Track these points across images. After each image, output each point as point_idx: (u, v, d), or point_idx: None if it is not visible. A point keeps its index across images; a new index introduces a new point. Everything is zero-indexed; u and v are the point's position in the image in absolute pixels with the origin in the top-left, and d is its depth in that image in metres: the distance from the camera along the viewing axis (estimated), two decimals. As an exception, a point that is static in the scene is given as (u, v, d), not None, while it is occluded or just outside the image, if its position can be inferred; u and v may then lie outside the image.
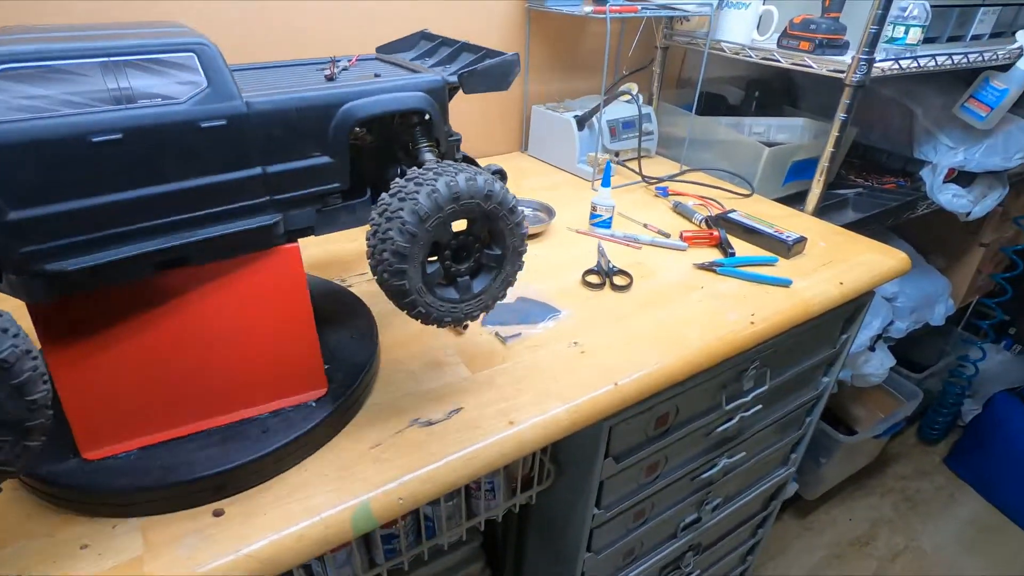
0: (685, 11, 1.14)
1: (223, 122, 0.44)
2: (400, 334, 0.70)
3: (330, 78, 0.54)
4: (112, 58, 0.41)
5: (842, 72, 0.99)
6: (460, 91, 0.57)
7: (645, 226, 1.00)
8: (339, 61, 0.60)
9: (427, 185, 0.44)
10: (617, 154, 1.29)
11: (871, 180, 1.40)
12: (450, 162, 0.48)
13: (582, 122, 1.21)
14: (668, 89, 1.47)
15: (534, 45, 1.26)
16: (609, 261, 0.86)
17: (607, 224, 0.97)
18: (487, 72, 0.57)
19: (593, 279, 0.83)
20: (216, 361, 0.52)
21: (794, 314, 0.79)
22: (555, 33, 1.29)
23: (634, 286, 0.81)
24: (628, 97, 1.26)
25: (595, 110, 1.17)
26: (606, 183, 0.94)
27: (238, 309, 0.51)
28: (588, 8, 1.00)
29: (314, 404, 0.56)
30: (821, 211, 1.12)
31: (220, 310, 0.50)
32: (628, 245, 0.93)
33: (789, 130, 1.28)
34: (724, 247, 0.92)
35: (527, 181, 1.20)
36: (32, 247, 0.39)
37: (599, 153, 1.17)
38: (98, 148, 0.40)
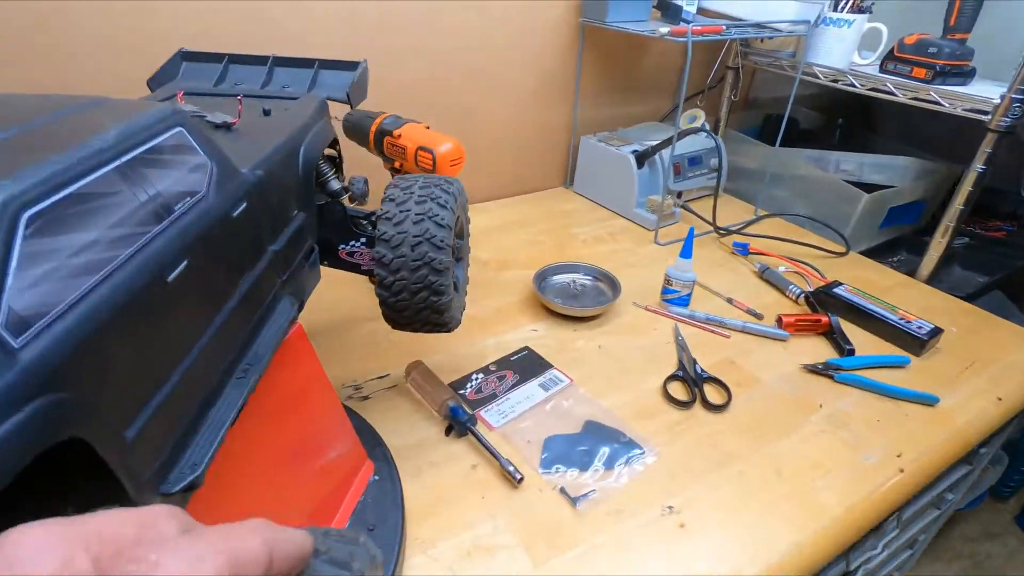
0: (777, 31, 0.94)
1: (245, 204, 0.34)
2: (418, 489, 0.52)
3: (229, 126, 0.43)
4: (123, 158, 0.27)
5: (985, 113, 0.79)
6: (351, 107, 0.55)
7: (730, 301, 0.81)
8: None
9: (431, 187, 0.46)
10: (680, 195, 1.10)
11: (975, 226, 1.19)
12: (406, 176, 0.49)
13: (643, 159, 1.02)
14: (733, 113, 1.27)
15: (586, 65, 1.07)
16: (695, 361, 0.68)
17: (684, 302, 0.78)
18: (362, 84, 0.56)
19: (679, 392, 0.64)
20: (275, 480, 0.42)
21: (950, 450, 0.60)
22: (610, 52, 1.09)
23: (733, 402, 0.63)
24: (694, 123, 1.07)
25: (662, 145, 0.98)
26: (687, 253, 0.75)
27: (275, 424, 0.42)
28: (664, 30, 0.81)
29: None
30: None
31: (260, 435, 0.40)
32: (714, 332, 0.75)
33: (888, 170, 1.07)
34: (837, 339, 0.72)
35: (576, 229, 1.01)
36: (157, 460, 0.27)
37: (664, 197, 0.98)
38: (175, 288, 0.28)
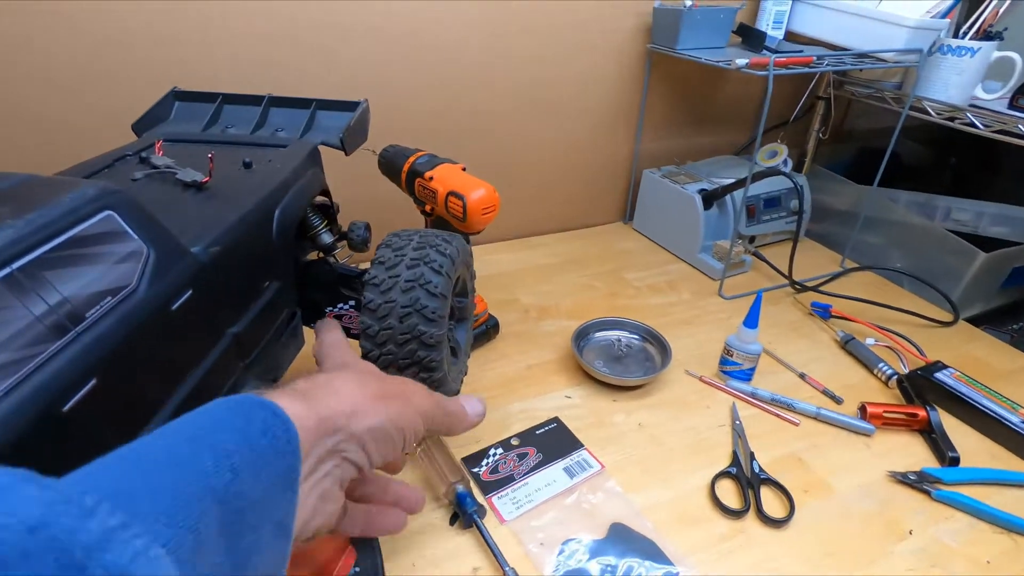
0: (881, 61, 0.81)
1: (190, 292, 0.30)
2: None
3: (200, 185, 0.38)
4: (14, 265, 0.22)
5: None
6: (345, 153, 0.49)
7: (803, 377, 0.69)
8: (132, 157, 0.43)
9: (426, 249, 0.41)
10: (752, 239, 0.98)
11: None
12: (402, 232, 0.45)
13: (711, 199, 0.92)
14: (821, 146, 1.13)
15: (653, 93, 0.98)
16: (752, 455, 0.57)
17: (746, 376, 0.67)
18: (360, 127, 0.51)
19: (729, 496, 0.54)
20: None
21: (1089, 617, 0.46)
22: (680, 80, 1.00)
23: (796, 516, 0.52)
24: (773, 159, 0.95)
25: (734, 187, 0.87)
26: (752, 322, 0.65)
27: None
28: (742, 61, 0.71)
29: None
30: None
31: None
32: (779, 416, 0.64)
33: (1014, 223, 0.90)
34: (938, 441, 0.59)
35: (631, 273, 0.92)
36: None
37: (733, 242, 0.87)
38: (76, 416, 0.23)
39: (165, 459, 0.19)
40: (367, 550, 0.47)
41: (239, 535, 0.19)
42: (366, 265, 0.46)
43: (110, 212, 0.26)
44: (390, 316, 0.39)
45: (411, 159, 0.65)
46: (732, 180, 0.91)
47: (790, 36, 0.92)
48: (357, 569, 0.45)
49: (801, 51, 0.84)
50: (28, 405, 0.21)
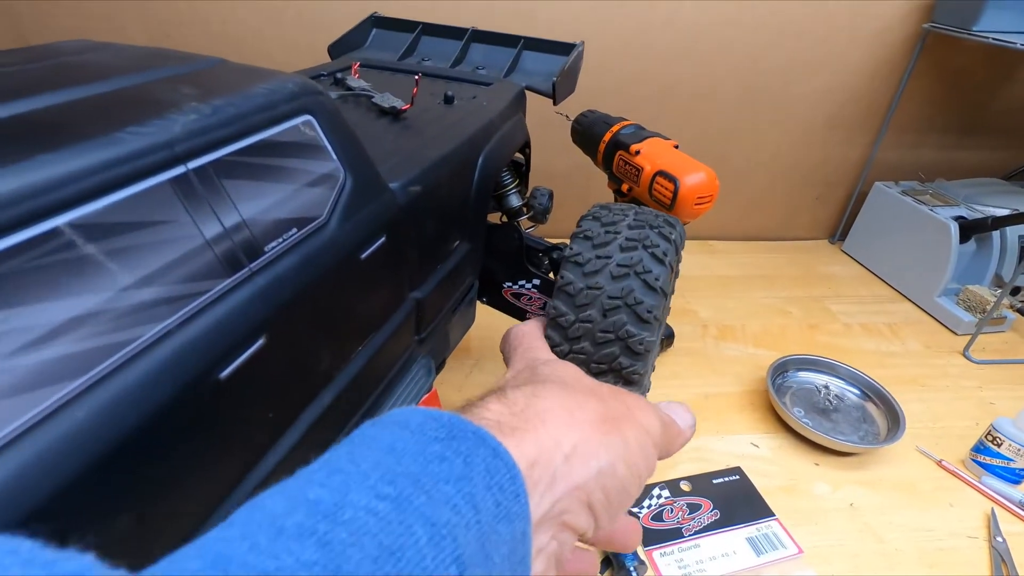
0: None
1: (383, 238, 0.23)
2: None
3: (399, 113, 0.32)
4: (191, 163, 0.16)
5: None
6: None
7: (1101, 498, 0.50)
8: (327, 77, 0.38)
9: (645, 229, 0.32)
10: (1016, 291, 0.75)
11: None
12: (610, 205, 0.35)
13: (973, 231, 0.71)
14: None
15: (913, 88, 0.78)
16: (1029, 595, 0.41)
17: (1017, 477, 0.49)
18: (571, 74, 0.44)
19: (993, 646, 0.39)
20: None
21: None
22: (956, 74, 0.78)
23: None
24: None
25: (1016, 219, 0.66)
26: (1047, 408, 0.47)
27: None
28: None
29: None
30: None
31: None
32: (1065, 547, 0.45)
33: None
34: None
35: (838, 305, 0.75)
36: None
37: (993, 291, 0.66)
38: (233, 386, 0.17)
39: (352, 541, 0.11)
40: None
41: None
42: (556, 240, 0.38)
43: (310, 117, 0.19)
44: (592, 306, 0.31)
45: (615, 128, 0.56)
46: (1010, 211, 0.70)
47: None
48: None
49: None
50: (177, 366, 0.15)
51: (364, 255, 0.21)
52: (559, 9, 0.68)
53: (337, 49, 0.45)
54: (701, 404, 0.58)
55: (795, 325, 0.71)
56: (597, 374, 0.32)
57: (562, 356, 0.32)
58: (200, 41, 0.65)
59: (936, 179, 0.82)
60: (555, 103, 0.42)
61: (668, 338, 0.63)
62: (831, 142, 0.83)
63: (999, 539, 0.45)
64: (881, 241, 0.82)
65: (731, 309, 0.73)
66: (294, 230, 0.18)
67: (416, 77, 0.32)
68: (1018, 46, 0.59)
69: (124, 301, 0.14)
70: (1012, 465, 0.49)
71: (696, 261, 0.83)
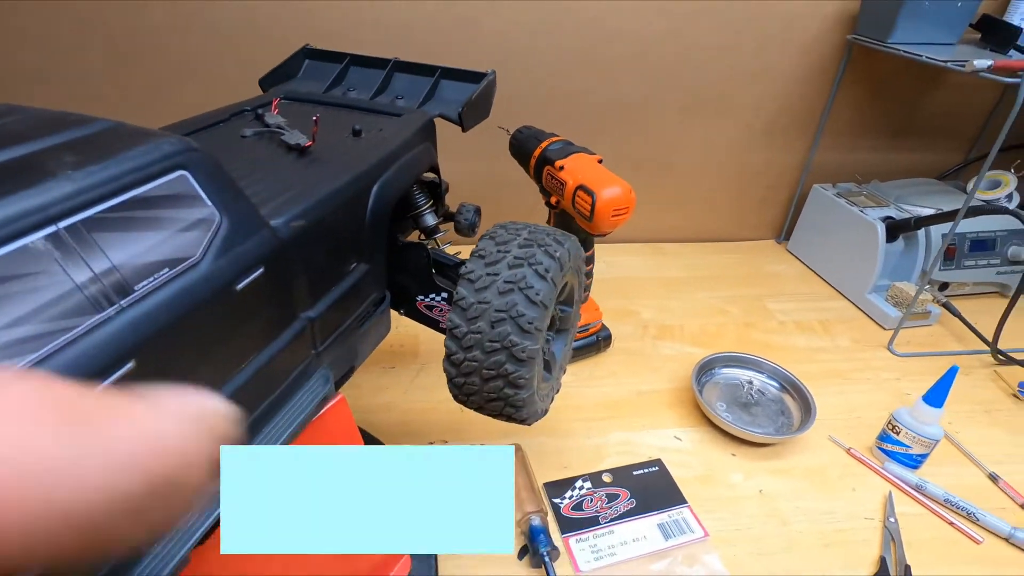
0: None
1: (261, 270, 0.27)
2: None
3: (303, 150, 0.35)
4: (62, 223, 0.19)
5: None
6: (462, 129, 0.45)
7: (993, 479, 0.54)
8: (249, 112, 0.41)
9: (532, 248, 0.36)
10: (944, 287, 0.80)
11: None
12: (509, 224, 0.39)
13: (899, 230, 0.75)
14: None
15: (844, 94, 0.82)
16: (908, 570, 0.45)
17: (914, 463, 0.53)
18: (482, 101, 0.46)
19: (869, 616, 0.43)
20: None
21: None
22: (881, 81, 0.82)
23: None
24: (996, 191, 0.75)
25: (939, 218, 0.70)
26: (936, 400, 0.51)
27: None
28: (982, 63, 0.55)
29: None
30: None
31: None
32: (953, 526, 0.49)
33: None
34: None
35: (776, 303, 0.79)
36: None
37: (919, 287, 0.70)
38: None
39: None
40: (423, 561, 0.44)
41: None
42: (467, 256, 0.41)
43: (184, 172, 0.23)
44: (481, 319, 0.34)
45: (544, 144, 0.59)
46: (934, 210, 0.74)
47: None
48: (410, 578, 0.42)
49: (1069, 56, 0.64)
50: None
51: (240, 286, 0.25)
52: (486, 39, 0.72)
53: (268, 81, 0.48)
54: (634, 400, 0.61)
55: (732, 324, 0.75)
56: (488, 379, 0.36)
57: (458, 363, 0.36)
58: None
59: (872, 180, 0.86)
60: (463, 130, 0.45)
61: (606, 339, 0.67)
62: (772, 147, 0.86)
63: (892, 519, 0.49)
64: (820, 241, 0.86)
65: (672, 309, 0.77)
66: (166, 270, 0.22)
67: (315, 118, 0.35)
68: (924, 59, 0.63)
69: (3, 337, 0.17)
70: (910, 452, 0.53)
71: (644, 263, 0.87)
